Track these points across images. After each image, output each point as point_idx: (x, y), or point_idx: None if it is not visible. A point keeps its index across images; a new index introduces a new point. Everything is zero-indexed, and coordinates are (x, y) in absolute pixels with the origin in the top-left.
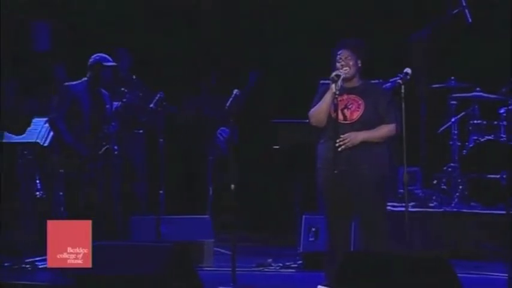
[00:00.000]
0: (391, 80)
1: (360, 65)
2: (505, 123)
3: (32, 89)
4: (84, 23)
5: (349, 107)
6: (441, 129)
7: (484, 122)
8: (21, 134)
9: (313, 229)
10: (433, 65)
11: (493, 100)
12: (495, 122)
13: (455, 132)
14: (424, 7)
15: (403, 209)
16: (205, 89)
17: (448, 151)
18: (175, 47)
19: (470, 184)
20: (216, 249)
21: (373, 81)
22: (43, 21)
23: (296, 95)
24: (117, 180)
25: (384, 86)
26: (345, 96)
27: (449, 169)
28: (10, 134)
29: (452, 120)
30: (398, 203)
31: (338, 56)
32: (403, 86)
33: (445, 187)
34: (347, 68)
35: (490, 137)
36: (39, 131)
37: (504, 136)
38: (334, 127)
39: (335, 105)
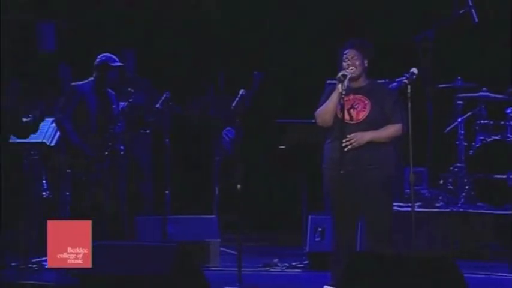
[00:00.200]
0: (397, 79)
1: (366, 65)
2: (511, 123)
3: (38, 90)
4: (89, 23)
5: (356, 107)
6: (448, 129)
7: (491, 122)
8: (25, 138)
9: (320, 229)
10: (439, 65)
11: (500, 100)
12: (502, 122)
13: (462, 132)
14: (430, 7)
15: (409, 209)
16: (210, 90)
17: (454, 151)
18: (181, 47)
19: (477, 184)
20: (222, 249)
21: (379, 81)
22: (49, 21)
23: (302, 95)
24: (123, 180)
25: (390, 86)
26: (351, 96)
27: (456, 169)
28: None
29: (459, 120)
30: (404, 203)
31: (344, 56)
32: (409, 86)
33: (451, 187)
34: (353, 68)
35: (496, 137)
36: (45, 131)
37: (511, 136)
38: (340, 127)
39: (341, 105)
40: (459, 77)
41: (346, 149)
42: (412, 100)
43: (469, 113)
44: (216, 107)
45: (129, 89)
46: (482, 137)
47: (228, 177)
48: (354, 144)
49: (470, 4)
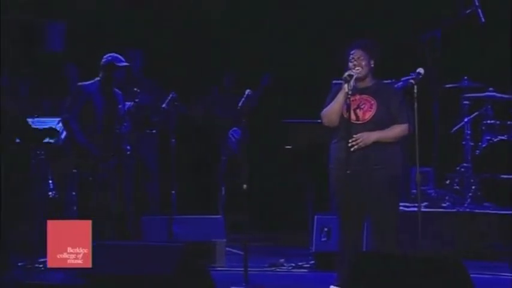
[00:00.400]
0: (403, 79)
1: (372, 65)
2: None
3: (45, 90)
4: (96, 23)
5: (362, 107)
6: (454, 129)
7: (497, 122)
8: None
9: (326, 229)
10: (446, 65)
11: (506, 100)
12: (508, 122)
13: (468, 132)
14: (437, 7)
15: (415, 209)
16: (215, 90)
17: (461, 151)
18: (187, 47)
19: (483, 184)
20: (228, 249)
21: (385, 81)
22: (56, 21)
23: (308, 95)
24: (129, 180)
25: (395, 86)
26: (358, 96)
27: (462, 169)
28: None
29: (465, 120)
30: (410, 203)
31: (351, 56)
32: (415, 86)
33: (457, 187)
34: (359, 68)
35: (503, 137)
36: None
37: None
38: (346, 127)
39: (347, 105)
40: (465, 77)
41: (352, 149)
42: (418, 100)
43: (476, 113)
44: (222, 107)
45: (135, 89)
46: (488, 137)
47: (234, 177)
48: (360, 144)
49: (477, 4)
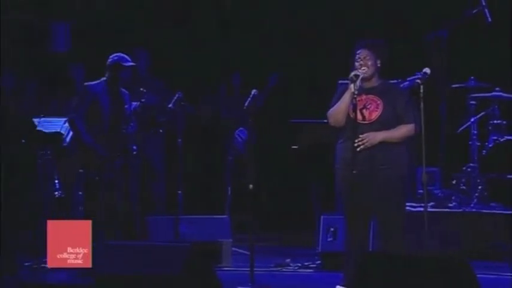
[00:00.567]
0: (408, 79)
1: (379, 65)
2: None
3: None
4: (102, 23)
5: (368, 107)
6: (460, 129)
7: (504, 122)
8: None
9: (332, 229)
10: (452, 65)
11: None
12: None
13: (475, 132)
14: (443, 6)
15: (422, 209)
16: (222, 90)
17: (467, 151)
18: (194, 47)
19: (490, 184)
20: (234, 249)
21: (391, 81)
22: (62, 22)
23: (314, 95)
24: (135, 180)
25: (401, 85)
26: (364, 96)
27: (469, 169)
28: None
29: (472, 120)
30: (417, 203)
31: (357, 56)
32: (422, 86)
33: (464, 187)
34: (365, 68)
35: (509, 137)
36: (58, 131)
37: None
38: (352, 127)
39: (354, 105)
40: (472, 77)
41: (358, 149)
42: (424, 100)
43: (482, 113)
44: (229, 107)
45: (141, 89)
46: (495, 137)
47: (240, 178)
48: (366, 144)
49: (484, 4)
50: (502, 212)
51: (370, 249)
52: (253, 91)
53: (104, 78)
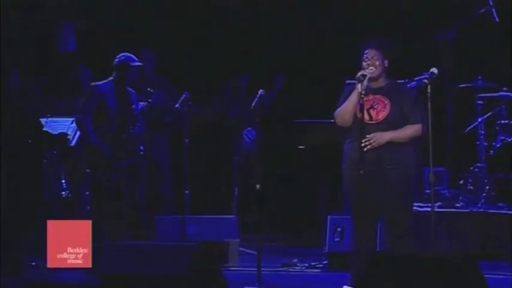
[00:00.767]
0: (416, 78)
1: (386, 65)
2: None
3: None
4: (109, 23)
5: (375, 107)
6: (468, 129)
7: (511, 122)
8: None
9: (339, 229)
10: (459, 65)
11: None
12: None
13: (482, 132)
14: (450, 6)
15: (429, 209)
16: (229, 90)
17: (474, 151)
18: (201, 47)
19: (497, 184)
20: (241, 249)
21: (399, 81)
22: (69, 22)
23: (322, 95)
24: (142, 180)
25: (409, 85)
26: (371, 96)
27: (476, 169)
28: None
29: (479, 120)
30: (424, 203)
31: (364, 56)
32: (429, 86)
33: (471, 187)
34: (373, 68)
35: None
36: (65, 131)
37: None
38: (360, 127)
39: (361, 105)
40: (479, 77)
41: (365, 149)
42: (432, 100)
43: (490, 113)
44: (236, 108)
45: (148, 88)
46: (502, 137)
47: (247, 177)
48: (373, 144)
49: (491, 4)
50: (509, 212)
51: (378, 250)
52: (260, 91)
53: (111, 78)
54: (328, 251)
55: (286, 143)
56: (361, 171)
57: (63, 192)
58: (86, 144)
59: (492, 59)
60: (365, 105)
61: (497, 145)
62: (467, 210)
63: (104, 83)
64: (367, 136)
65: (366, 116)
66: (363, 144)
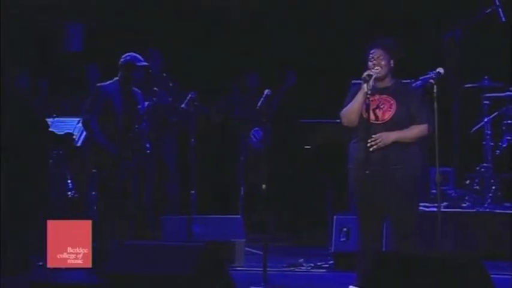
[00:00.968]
0: (421, 78)
1: (392, 64)
2: None
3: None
4: (115, 23)
5: (381, 107)
6: (474, 129)
7: None
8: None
9: (345, 229)
10: (466, 64)
11: None
12: None
13: (488, 132)
14: (457, 6)
15: (435, 209)
16: (237, 90)
17: (481, 151)
18: (207, 47)
19: (504, 184)
20: (247, 249)
21: (405, 81)
22: (75, 22)
23: (328, 95)
24: (148, 180)
25: (414, 84)
26: (377, 96)
27: (482, 169)
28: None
29: (485, 120)
30: (430, 203)
31: (370, 56)
32: (435, 86)
33: (477, 187)
34: (379, 67)
35: None
36: (71, 131)
37: None
38: (365, 127)
39: (367, 105)
40: (486, 77)
41: (371, 149)
42: (438, 100)
43: (496, 113)
44: (241, 108)
45: (154, 88)
46: (509, 137)
47: (254, 177)
48: (379, 144)
49: (497, 3)
50: None
51: (383, 250)
52: (266, 91)
53: (117, 78)
54: (334, 251)
55: (292, 143)
56: (367, 171)
57: (69, 193)
58: (92, 145)
59: (498, 59)
60: (371, 105)
61: (504, 145)
62: (474, 210)
63: (110, 83)
64: (373, 136)
65: (372, 116)
66: (368, 144)
